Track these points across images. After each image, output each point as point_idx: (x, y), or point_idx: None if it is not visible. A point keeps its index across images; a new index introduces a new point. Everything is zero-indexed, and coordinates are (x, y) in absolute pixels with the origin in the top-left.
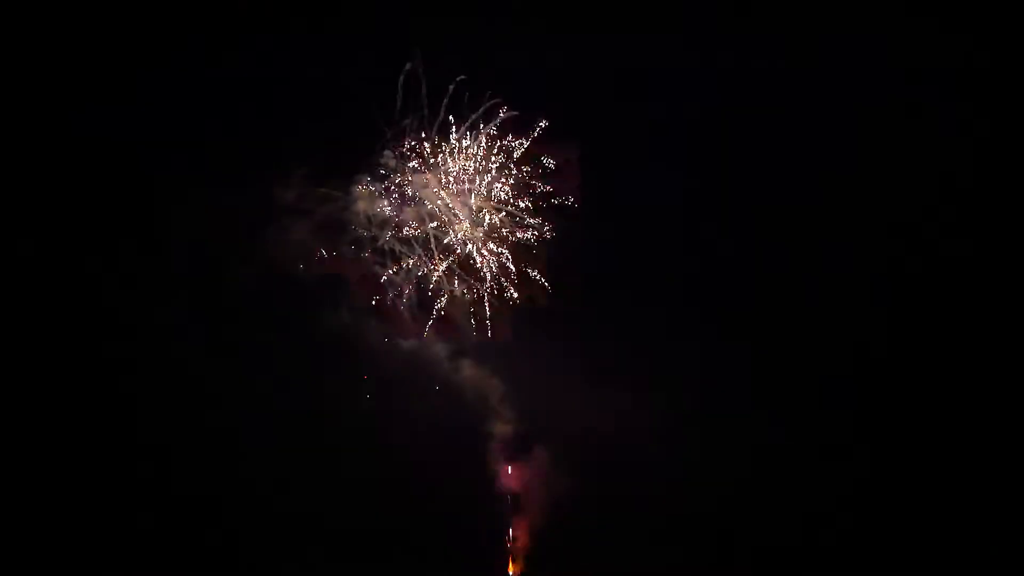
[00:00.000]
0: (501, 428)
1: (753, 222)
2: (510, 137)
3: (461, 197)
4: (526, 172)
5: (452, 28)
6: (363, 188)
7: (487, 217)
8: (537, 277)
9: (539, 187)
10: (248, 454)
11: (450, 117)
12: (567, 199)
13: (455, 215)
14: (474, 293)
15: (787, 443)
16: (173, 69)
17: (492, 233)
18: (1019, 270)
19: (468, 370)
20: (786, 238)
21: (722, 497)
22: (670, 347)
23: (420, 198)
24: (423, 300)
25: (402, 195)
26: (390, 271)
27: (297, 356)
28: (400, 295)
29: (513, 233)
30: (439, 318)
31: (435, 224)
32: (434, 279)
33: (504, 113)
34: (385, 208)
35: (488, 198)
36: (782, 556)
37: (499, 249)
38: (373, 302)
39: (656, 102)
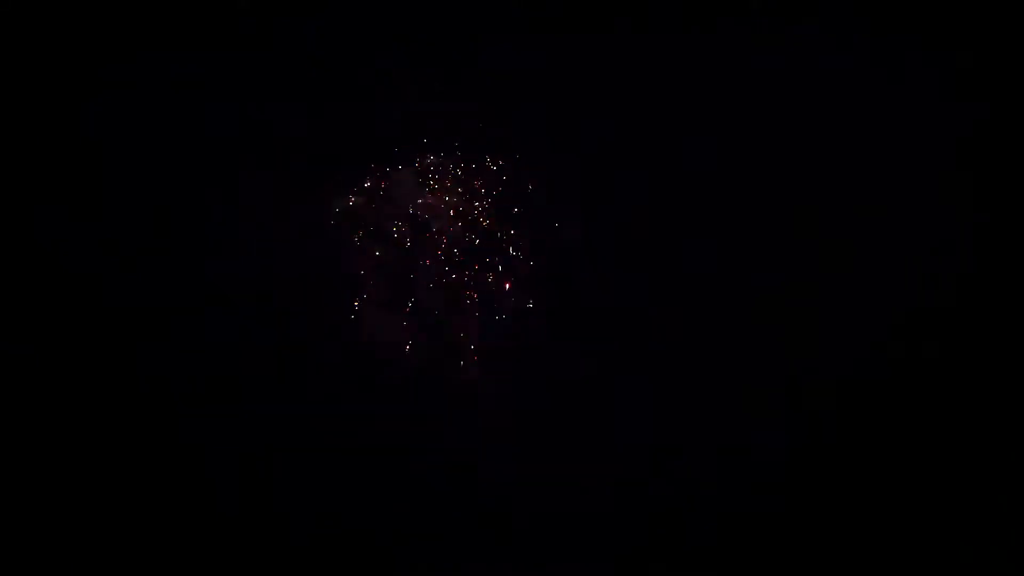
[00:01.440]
0: (499, 424)
1: (753, 221)
2: (489, 160)
3: (441, 197)
4: (503, 189)
5: (445, 27)
6: (343, 187)
7: (470, 230)
8: (524, 284)
9: (519, 210)
10: (244, 454)
11: (424, 137)
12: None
13: (436, 215)
14: (461, 293)
15: (786, 445)
16: (171, 67)
17: (475, 250)
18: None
19: (463, 367)
20: (786, 238)
21: (725, 496)
22: (668, 347)
23: (400, 198)
24: (414, 300)
25: (382, 194)
26: (374, 273)
27: (289, 356)
28: (384, 293)
29: (498, 244)
30: (427, 317)
31: (415, 223)
32: (420, 278)
33: (482, 126)
34: (366, 207)
35: (471, 206)
36: (783, 556)
37: (483, 262)
38: (359, 301)
39: (652, 103)
